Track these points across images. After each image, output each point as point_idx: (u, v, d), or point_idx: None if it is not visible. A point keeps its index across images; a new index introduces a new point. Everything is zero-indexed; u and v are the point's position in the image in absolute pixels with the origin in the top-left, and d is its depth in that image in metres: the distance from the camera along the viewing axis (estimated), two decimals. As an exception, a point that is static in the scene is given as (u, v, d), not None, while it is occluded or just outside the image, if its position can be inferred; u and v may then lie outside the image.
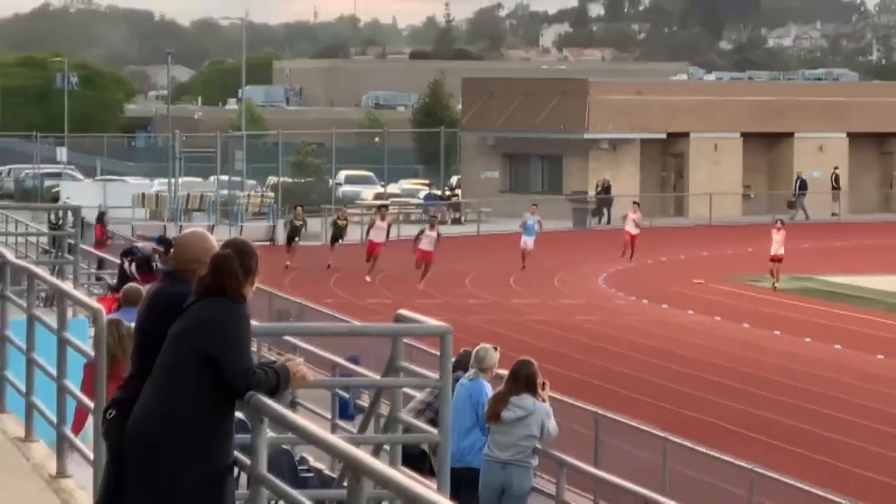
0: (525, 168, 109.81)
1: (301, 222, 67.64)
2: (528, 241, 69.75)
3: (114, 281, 31.43)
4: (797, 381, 48.14)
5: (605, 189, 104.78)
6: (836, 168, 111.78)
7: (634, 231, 74.59)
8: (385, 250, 67.83)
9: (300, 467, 19.87)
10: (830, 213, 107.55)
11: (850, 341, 55.79)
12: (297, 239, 66.81)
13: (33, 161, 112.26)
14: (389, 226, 64.68)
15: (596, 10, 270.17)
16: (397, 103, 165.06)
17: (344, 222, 69.29)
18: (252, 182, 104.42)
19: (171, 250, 11.85)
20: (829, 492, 29.58)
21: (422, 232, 61.43)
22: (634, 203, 78.95)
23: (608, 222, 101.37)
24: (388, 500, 14.55)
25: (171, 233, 60.38)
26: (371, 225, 64.56)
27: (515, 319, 56.25)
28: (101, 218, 65.89)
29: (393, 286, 64.28)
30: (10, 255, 21.13)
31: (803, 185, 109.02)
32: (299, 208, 69.71)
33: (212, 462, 10.33)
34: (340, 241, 68.21)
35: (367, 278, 61.76)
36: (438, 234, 61.81)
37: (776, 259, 69.74)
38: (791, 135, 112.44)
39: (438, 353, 14.72)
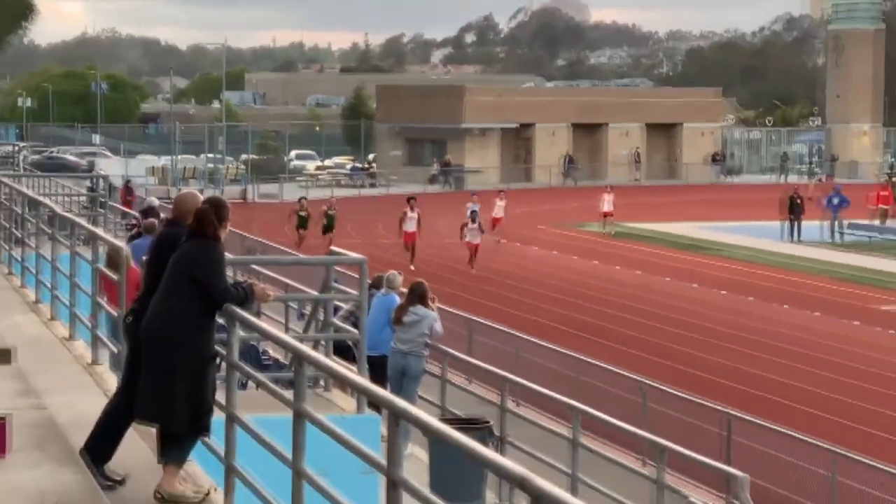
0: (420, 149, 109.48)
1: (306, 213, 56.81)
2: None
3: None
4: (609, 296, 48.17)
5: (446, 164, 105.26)
6: (637, 148, 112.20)
7: (500, 214, 65.66)
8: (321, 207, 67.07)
9: (262, 357, 19.78)
10: (633, 179, 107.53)
11: (647, 268, 55.90)
12: (302, 229, 56.24)
13: (75, 143, 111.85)
14: (419, 216, 54.30)
15: (470, 38, 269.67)
16: (331, 103, 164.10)
17: (334, 211, 57.51)
18: (230, 158, 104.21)
19: (171, 205, 11.95)
20: (632, 372, 29.69)
21: (465, 226, 52.80)
22: (501, 192, 70.24)
23: (452, 188, 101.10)
24: (322, 378, 14.51)
25: (173, 194, 59.29)
26: (402, 217, 54.28)
27: (416, 254, 55.97)
28: (128, 184, 64.79)
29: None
30: (59, 209, 21.10)
31: (571, 161, 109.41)
32: (304, 200, 59.12)
33: (199, 352, 10.41)
34: (332, 231, 56.25)
35: (412, 267, 49.64)
36: (480, 224, 53.34)
37: (607, 214, 69.85)
38: (605, 125, 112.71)
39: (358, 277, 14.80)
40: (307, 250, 48.01)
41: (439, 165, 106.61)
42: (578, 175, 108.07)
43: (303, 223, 56.15)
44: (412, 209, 54.00)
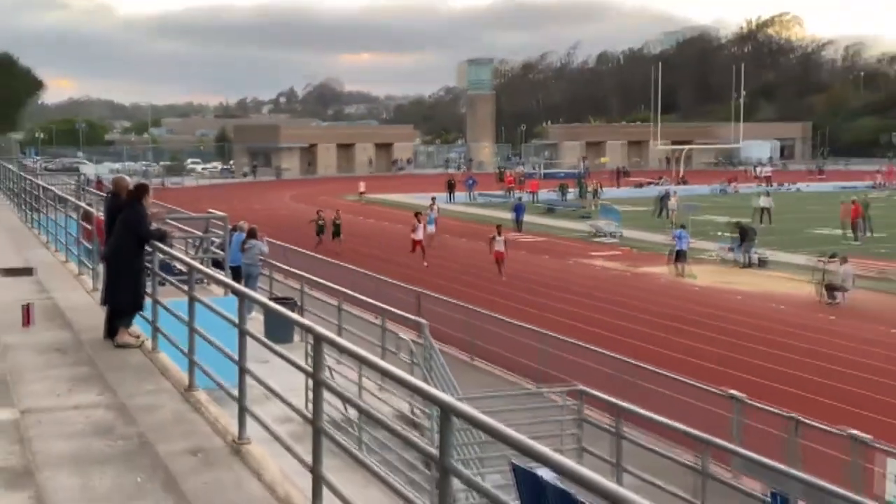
0: (257, 158, 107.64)
1: (322, 221, 42.69)
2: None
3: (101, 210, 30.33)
4: (357, 229, 47.83)
5: (254, 167, 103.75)
6: (371, 157, 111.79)
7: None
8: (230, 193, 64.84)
9: (175, 268, 19.21)
10: (370, 173, 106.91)
11: (375, 217, 55.68)
12: (321, 235, 41.98)
13: (68, 156, 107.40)
14: (425, 226, 39.52)
15: (282, 99, 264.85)
16: (210, 134, 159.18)
17: (340, 221, 42.91)
18: (155, 164, 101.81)
19: (112, 183, 11.74)
20: (366, 270, 29.52)
21: (493, 238, 35.70)
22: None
23: (254, 177, 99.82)
24: (205, 280, 14.05)
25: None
26: (413, 227, 39.10)
27: (256, 214, 54.69)
28: (99, 180, 62.01)
29: (216, 205, 62.33)
30: (59, 192, 20.29)
31: (310, 164, 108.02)
32: (319, 212, 44.38)
33: (136, 266, 10.21)
34: (340, 236, 42.10)
35: (425, 264, 36.81)
36: (505, 239, 36.04)
37: (362, 192, 70.39)
38: (354, 144, 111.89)
39: (223, 225, 14.44)
40: (325, 252, 36.76)
41: (250, 168, 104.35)
42: (316, 171, 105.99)
43: (320, 230, 42.28)
44: (419, 221, 39.35)
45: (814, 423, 14.63)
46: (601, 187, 65.45)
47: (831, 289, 29.88)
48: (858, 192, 61.31)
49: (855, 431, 13.88)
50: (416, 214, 39.45)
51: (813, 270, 31.70)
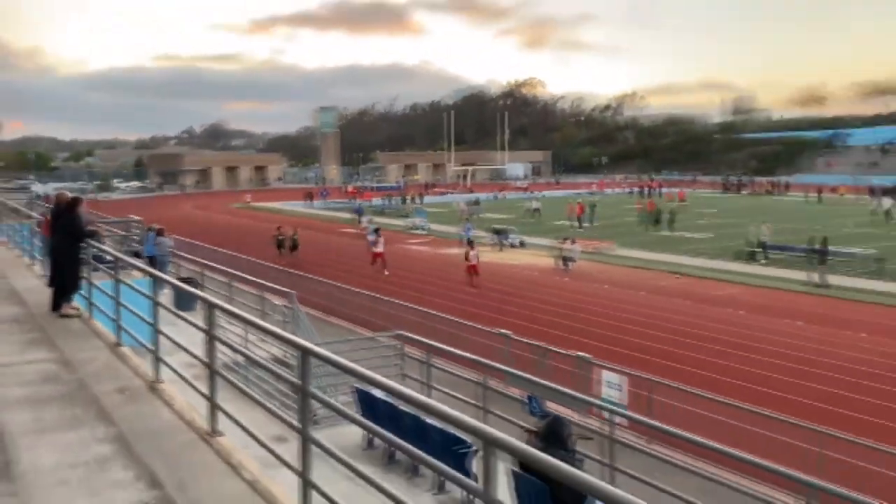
0: (168, 178, 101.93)
1: (282, 236, 35.03)
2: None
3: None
4: (245, 231, 46.01)
5: (160, 184, 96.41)
6: (251, 177, 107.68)
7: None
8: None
9: (105, 258, 18.03)
10: (252, 188, 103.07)
11: (255, 220, 53.82)
12: (282, 248, 34.17)
13: (22, 179, 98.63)
14: (384, 241, 30.64)
15: (184, 135, 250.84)
16: (130, 162, 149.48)
17: (297, 235, 35.20)
18: (90, 183, 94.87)
19: (55, 197, 10.79)
20: (259, 258, 28.36)
21: (467, 253, 27.80)
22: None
23: (162, 193, 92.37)
24: (128, 266, 13.23)
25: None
26: (375, 243, 30.64)
27: (169, 219, 51.70)
28: (47, 195, 57.01)
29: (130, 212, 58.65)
30: (15, 205, 18.69)
31: (200, 182, 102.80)
32: (280, 227, 36.74)
33: (75, 257, 9.50)
34: (298, 248, 34.18)
35: (386, 272, 28.75)
36: (477, 254, 28.04)
37: (248, 201, 68.01)
38: (238, 167, 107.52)
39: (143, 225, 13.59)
40: (287, 263, 29.26)
41: (157, 185, 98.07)
42: (211, 186, 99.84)
43: (280, 244, 34.61)
44: (379, 236, 30.91)
45: (556, 350, 15.29)
46: (421, 196, 66.72)
47: (565, 260, 31.36)
48: (583, 197, 64.16)
49: (581, 353, 14.60)
50: (376, 230, 32.45)
51: (553, 248, 33.22)
